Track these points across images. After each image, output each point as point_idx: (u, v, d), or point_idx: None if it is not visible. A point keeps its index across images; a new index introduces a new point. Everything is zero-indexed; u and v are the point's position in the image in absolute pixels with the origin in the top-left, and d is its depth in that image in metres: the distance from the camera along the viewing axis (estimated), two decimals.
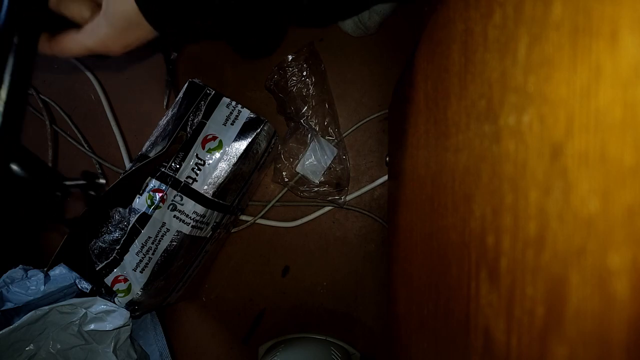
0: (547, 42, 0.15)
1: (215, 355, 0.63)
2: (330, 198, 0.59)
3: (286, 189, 0.61)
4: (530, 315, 0.15)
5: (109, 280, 0.47)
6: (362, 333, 0.61)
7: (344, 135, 0.60)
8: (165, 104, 0.62)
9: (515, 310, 0.16)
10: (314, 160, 0.58)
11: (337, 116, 0.59)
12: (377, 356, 0.60)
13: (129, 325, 0.50)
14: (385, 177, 0.59)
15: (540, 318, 0.15)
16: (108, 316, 0.49)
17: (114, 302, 0.47)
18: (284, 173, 0.59)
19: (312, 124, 0.57)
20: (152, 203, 0.45)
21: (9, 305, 0.48)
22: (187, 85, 0.49)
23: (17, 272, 0.50)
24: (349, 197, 0.60)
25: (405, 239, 0.40)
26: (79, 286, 0.48)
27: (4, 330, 0.45)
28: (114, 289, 0.47)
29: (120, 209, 0.46)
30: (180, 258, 0.50)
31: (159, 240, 0.47)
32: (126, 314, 0.48)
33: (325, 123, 0.58)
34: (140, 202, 0.46)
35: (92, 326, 0.49)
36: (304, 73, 0.56)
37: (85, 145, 0.63)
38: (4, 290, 0.48)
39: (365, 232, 0.61)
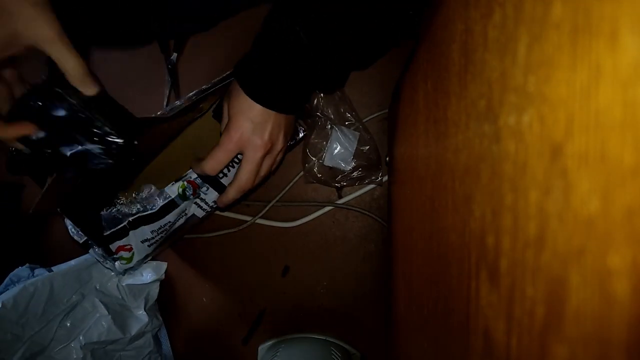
0: (547, 42, 0.15)
1: (215, 355, 0.63)
2: (367, 180, 0.59)
3: (286, 188, 0.61)
4: (530, 315, 0.15)
5: (114, 246, 0.46)
6: (362, 333, 0.61)
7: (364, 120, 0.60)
8: (164, 104, 0.62)
9: (515, 311, 0.16)
10: (340, 149, 0.58)
11: (350, 100, 0.59)
12: (377, 356, 0.60)
13: (159, 281, 0.56)
14: (385, 177, 0.59)
15: (540, 318, 0.15)
16: (144, 270, 0.55)
17: (113, 265, 0.48)
18: (315, 170, 0.59)
19: (328, 114, 0.57)
20: (184, 194, 0.45)
21: None
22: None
23: (23, 270, 0.50)
24: (349, 197, 0.60)
25: (405, 239, 0.40)
26: (70, 232, 0.47)
27: (64, 267, 0.51)
28: (117, 255, 0.47)
29: (152, 187, 0.46)
30: (183, 232, 0.52)
31: (175, 223, 0.48)
32: (158, 268, 0.55)
33: (342, 110, 0.58)
34: (172, 189, 0.46)
35: (130, 280, 0.54)
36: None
37: None
38: None
39: (365, 232, 0.61)
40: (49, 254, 0.61)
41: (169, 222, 0.47)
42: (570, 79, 0.13)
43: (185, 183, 0.45)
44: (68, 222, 0.47)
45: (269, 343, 0.60)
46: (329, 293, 0.61)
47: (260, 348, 0.60)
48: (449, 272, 0.25)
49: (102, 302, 0.51)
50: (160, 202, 0.45)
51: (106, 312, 0.51)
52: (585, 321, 0.12)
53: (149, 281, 0.54)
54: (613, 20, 0.12)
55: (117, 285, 0.53)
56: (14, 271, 0.50)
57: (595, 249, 0.12)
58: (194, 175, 0.46)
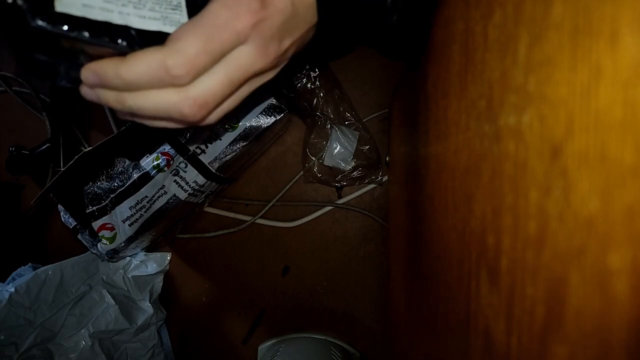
0: (547, 42, 0.15)
1: (215, 355, 0.63)
2: (367, 180, 0.59)
3: (286, 188, 0.61)
4: (530, 315, 0.15)
5: (96, 225, 0.47)
6: (362, 333, 0.61)
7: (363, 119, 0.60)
8: None
9: (516, 310, 0.16)
10: (340, 149, 0.58)
11: (350, 99, 0.59)
12: (377, 356, 0.60)
13: (163, 273, 0.58)
14: (386, 177, 0.59)
15: (540, 318, 0.15)
16: (148, 262, 0.56)
17: (96, 247, 0.48)
18: (315, 169, 0.59)
19: (328, 113, 0.57)
20: (158, 166, 0.45)
21: None
22: None
23: (26, 270, 0.51)
24: (349, 197, 0.60)
25: (405, 238, 0.40)
26: (62, 218, 0.47)
27: (74, 259, 0.52)
28: (99, 234, 0.47)
29: (126, 160, 0.46)
30: (170, 218, 0.51)
31: (154, 201, 0.47)
32: (161, 260, 0.56)
33: (341, 109, 0.58)
34: (147, 161, 0.46)
35: (135, 272, 0.55)
36: (306, 66, 0.56)
37: (86, 145, 0.63)
38: None
39: (365, 232, 0.61)
40: (50, 254, 0.61)
41: (146, 196, 0.46)
42: (571, 79, 0.13)
43: (159, 154, 0.45)
44: (60, 208, 0.47)
45: (269, 343, 0.60)
46: (328, 293, 0.62)
47: (260, 348, 0.60)
48: (449, 271, 0.25)
49: (109, 293, 0.52)
50: (134, 175, 0.45)
51: (113, 302, 0.52)
52: (585, 321, 0.12)
53: (153, 272, 0.55)
54: (613, 21, 0.12)
55: (123, 278, 0.54)
56: (17, 270, 0.50)
57: (595, 249, 0.12)
58: (168, 147, 0.46)
